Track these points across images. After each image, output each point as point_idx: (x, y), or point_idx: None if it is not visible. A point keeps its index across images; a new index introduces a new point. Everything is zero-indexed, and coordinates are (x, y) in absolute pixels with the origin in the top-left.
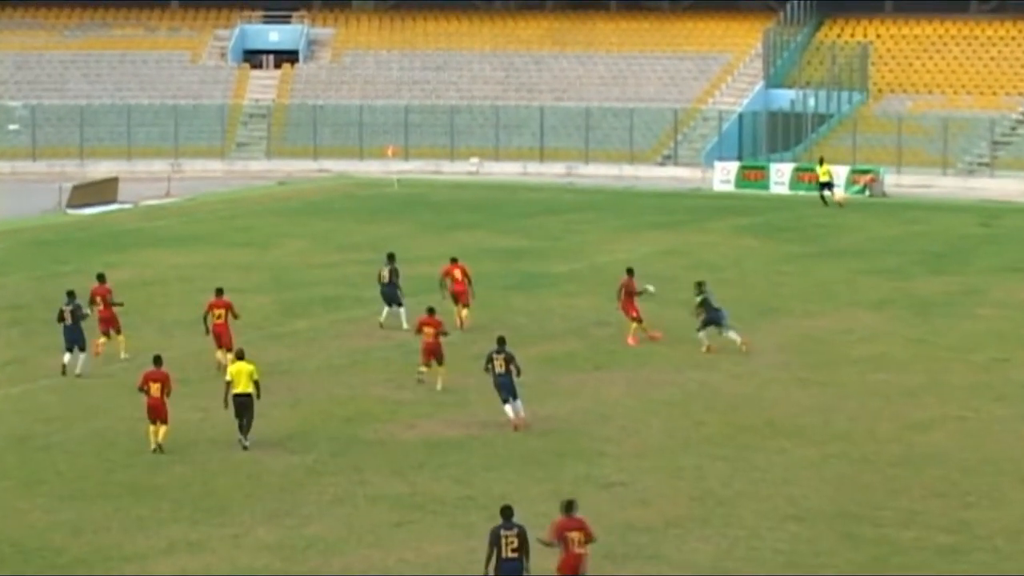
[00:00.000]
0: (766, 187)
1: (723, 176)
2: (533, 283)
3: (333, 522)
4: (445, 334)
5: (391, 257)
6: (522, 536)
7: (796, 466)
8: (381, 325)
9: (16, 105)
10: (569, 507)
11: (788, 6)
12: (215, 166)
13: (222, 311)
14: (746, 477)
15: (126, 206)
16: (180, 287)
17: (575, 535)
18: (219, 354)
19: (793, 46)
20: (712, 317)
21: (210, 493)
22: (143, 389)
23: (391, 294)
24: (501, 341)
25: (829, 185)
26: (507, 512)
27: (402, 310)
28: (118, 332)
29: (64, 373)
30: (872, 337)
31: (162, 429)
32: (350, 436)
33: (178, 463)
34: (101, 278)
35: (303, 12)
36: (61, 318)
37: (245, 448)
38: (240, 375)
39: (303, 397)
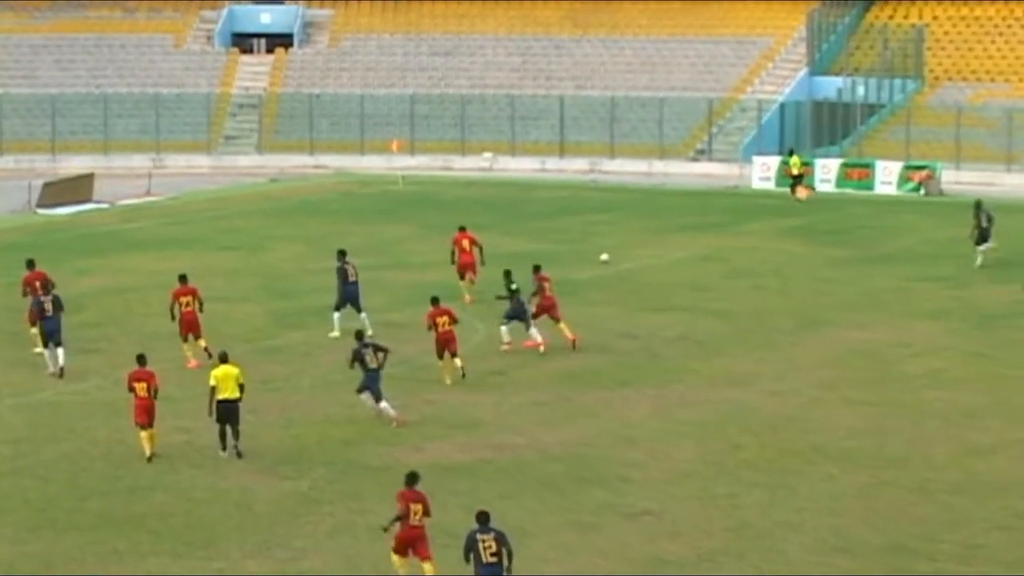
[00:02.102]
0: (811, 185)
1: (763, 173)
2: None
3: (330, 556)
4: (457, 321)
5: (344, 254)
6: (500, 540)
7: (843, 494)
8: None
9: None
10: (412, 479)
11: None
12: (200, 162)
13: (189, 298)
14: (787, 506)
15: (102, 206)
16: (161, 295)
17: (415, 507)
18: (186, 346)
19: (840, 29)
20: (517, 311)
21: (194, 524)
22: (130, 389)
23: (354, 294)
24: (360, 335)
25: (800, 179)
26: (483, 517)
27: (363, 315)
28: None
29: (52, 374)
30: (927, 351)
31: (149, 434)
32: (349, 460)
33: (159, 490)
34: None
35: None
36: (41, 312)
37: (239, 455)
38: (226, 379)
39: (297, 417)
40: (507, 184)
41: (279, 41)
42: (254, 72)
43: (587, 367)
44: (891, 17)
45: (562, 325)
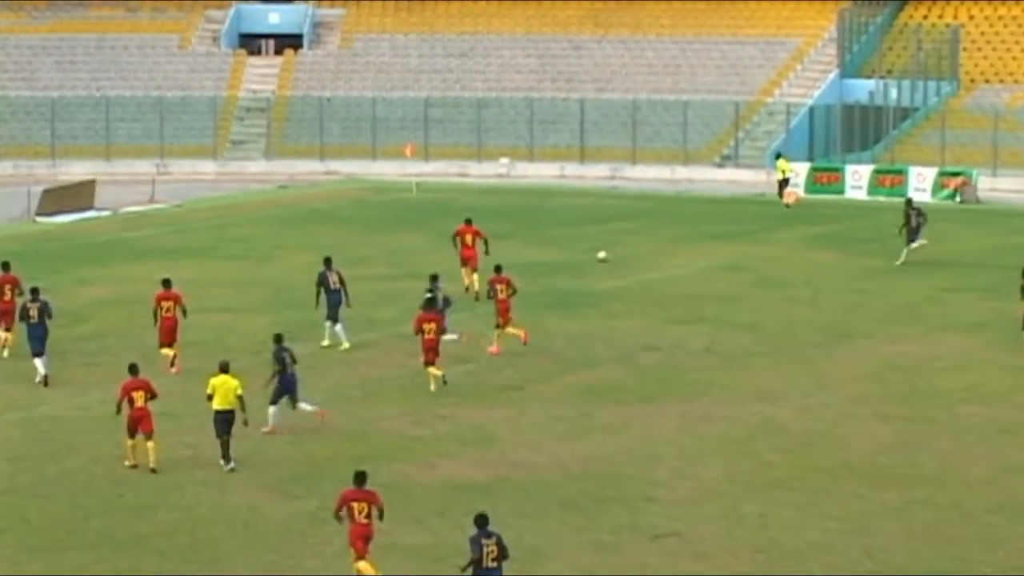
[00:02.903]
0: (841, 192)
1: (791, 179)
2: (572, 302)
3: None
4: (444, 330)
5: (329, 262)
6: (500, 544)
7: (876, 514)
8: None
9: None
10: (360, 478)
11: None
12: (206, 167)
13: (171, 303)
14: (818, 526)
15: (104, 213)
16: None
17: (359, 506)
18: (164, 350)
19: (872, 29)
20: (333, 301)
21: (199, 543)
22: (125, 400)
23: (337, 302)
24: (279, 338)
25: (787, 182)
26: (482, 520)
27: (339, 327)
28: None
29: (47, 384)
30: (963, 365)
31: (150, 445)
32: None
33: (163, 508)
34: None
35: None
36: (25, 316)
37: (232, 470)
38: (223, 389)
39: (306, 433)
40: (525, 191)
41: (288, 42)
42: (262, 74)
43: (608, 381)
44: (925, 17)
45: (510, 329)
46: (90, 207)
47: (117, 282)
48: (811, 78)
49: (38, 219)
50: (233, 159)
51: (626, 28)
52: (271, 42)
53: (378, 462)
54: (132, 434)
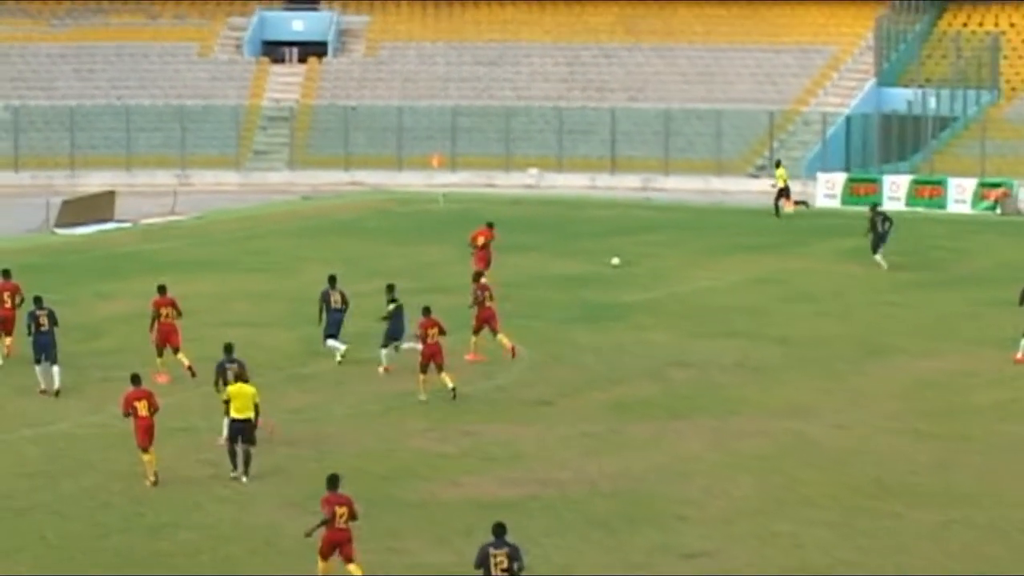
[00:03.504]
0: (878, 203)
1: (827, 190)
2: (601, 315)
3: None
4: (444, 333)
5: (334, 280)
6: (512, 555)
7: (910, 533)
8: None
9: None
10: (334, 482)
11: None
12: (228, 178)
13: (169, 309)
14: (851, 545)
15: (124, 225)
16: (186, 321)
17: (340, 510)
18: (159, 361)
19: (910, 37)
20: (395, 330)
21: (221, 562)
22: (129, 413)
23: (338, 320)
24: (228, 348)
25: (786, 191)
26: (499, 530)
27: (336, 342)
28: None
29: (44, 391)
30: (1001, 381)
31: (147, 458)
32: (385, 496)
33: (183, 527)
34: (162, 289)
35: None
36: (35, 324)
37: (244, 480)
38: (241, 397)
39: (330, 450)
40: (554, 202)
41: (312, 50)
42: (285, 83)
43: (638, 397)
44: (965, 24)
45: (500, 337)
46: (110, 219)
47: (136, 296)
48: (848, 87)
49: (57, 231)
50: (256, 169)
51: (658, 35)
52: (295, 50)
53: (402, 479)
54: (144, 448)
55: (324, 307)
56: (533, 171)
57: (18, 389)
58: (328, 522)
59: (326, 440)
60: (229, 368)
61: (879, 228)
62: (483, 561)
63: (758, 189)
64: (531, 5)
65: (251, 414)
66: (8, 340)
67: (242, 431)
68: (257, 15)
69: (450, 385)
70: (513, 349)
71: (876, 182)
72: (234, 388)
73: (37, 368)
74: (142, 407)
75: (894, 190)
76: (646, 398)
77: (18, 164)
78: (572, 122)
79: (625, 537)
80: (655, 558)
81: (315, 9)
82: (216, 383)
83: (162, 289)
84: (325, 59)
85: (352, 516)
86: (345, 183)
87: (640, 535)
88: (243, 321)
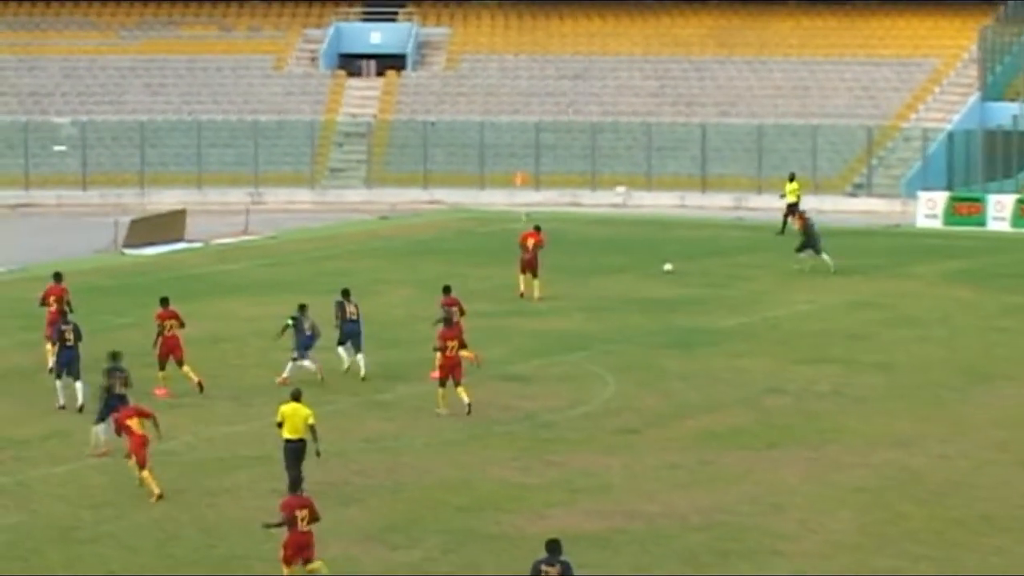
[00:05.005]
0: (983, 223)
1: (928, 209)
2: (692, 340)
3: None
4: (465, 346)
5: (347, 293)
6: (564, 572)
7: (1017, 568)
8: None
9: (63, 122)
10: (295, 485)
11: None
12: (303, 196)
13: (173, 322)
14: None
15: (195, 245)
16: (259, 345)
17: (302, 513)
18: (161, 374)
19: (1016, 49)
20: (305, 342)
21: None
22: (122, 429)
23: (353, 332)
24: (114, 356)
25: (795, 207)
26: (553, 546)
27: (360, 356)
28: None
29: (63, 407)
30: None
31: (145, 475)
32: (466, 529)
33: (256, 559)
34: (165, 301)
35: (411, 8)
36: (62, 339)
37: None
38: (293, 417)
39: (407, 480)
40: (642, 222)
41: (390, 63)
42: (363, 97)
43: (730, 425)
44: None
45: (465, 352)
46: (180, 239)
47: (207, 319)
48: (950, 101)
49: (125, 251)
50: (331, 188)
51: (751, 48)
52: (372, 63)
53: (484, 512)
54: (142, 465)
55: (340, 319)
56: (620, 189)
57: (90, 418)
58: (289, 525)
59: (403, 470)
60: (117, 378)
61: (811, 230)
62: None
63: (856, 208)
64: (619, 16)
65: (304, 435)
66: (55, 348)
67: (295, 452)
68: (333, 27)
69: (466, 400)
70: (476, 358)
71: (980, 201)
72: (287, 408)
73: (58, 383)
74: (136, 424)
75: (999, 209)
76: (739, 427)
77: (86, 182)
78: (661, 138)
79: (716, 572)
80: None
81: (394, 20)
82: (104, 392)
83: (164, 301)
84: (404, 72)
85: (314, 518)
86: (424, 202)
87: (733, 570)
88: (319, 345)
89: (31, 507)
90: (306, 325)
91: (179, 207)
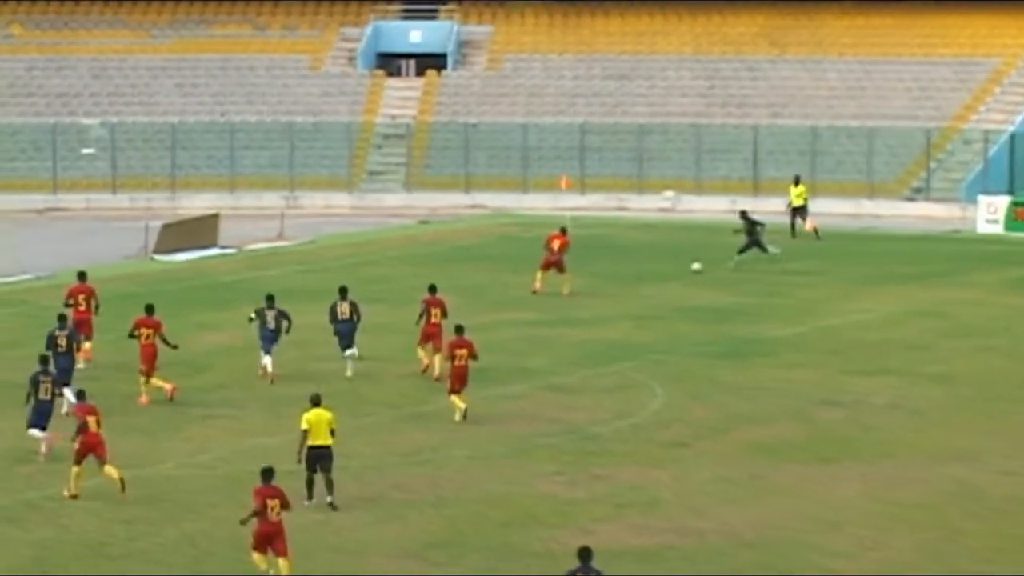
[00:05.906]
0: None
1: (989, 214)
2: (743, 351)
3: None
4: (475, 357)
5: (344, 291)
6: None
7: None
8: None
9: (92, 123)
10: (267, 475)
11: None
12: (340, 200)
13: (151, 331)
14: None
15: (228, 251)
16: (294, 354)
17: (272, 502)
18: (144, 381)
19: None
20: (266, 335)
21: None
22: (81, 427)
23: (347, 331)
24: (44, 360)
25: (802, 210)
26: (585, 554)
27: (350, 352)
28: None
29: (67, 414)
30: None
31: (108, 469)
32: (509, 545)
33: None
34: (150, 309)
35: (452, 6)
36: (53, 346)
37: (334, 509)
38: (319, 424)
39: (449, 495)
40: (691, 227)
41: (430, 62)
42: (402, 98)
43: (783, 439)
44: None
45: (438, 358)
46: (213, 244)
47: (241, 327)
48: (1012, 102)
49: (156, 257)
50: (369, 191)
51: (804, 47)
52: (412, 62)
53: (526, 527)
54: (80, 460)
55: (332, 320)
56: (669, 193)
57: (120, 430)
58: (259, 514)
59: (444, 484)
60: (41, 381)
61: (756, 234)
62: None
63: (914, 213)
64: (667, 14)
65: (329, 440)
66: (87, 345)
67: (321, 458)
68: (371, 25)
69: (461, 406)
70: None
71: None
72: (312, 414)
73: (67, 391)
74: (93, 423)
75: None
76: (791, 440)
77: (115, 185)
78: (711, 140)
79: None
80: None
81: (434, 18)
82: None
83: (149, 309)
84: (444, 72)
85: (284, 507)
86: (465, 206)
87: None
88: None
89: (61, 522)
90: (269, 317)
91: (211, 211)
